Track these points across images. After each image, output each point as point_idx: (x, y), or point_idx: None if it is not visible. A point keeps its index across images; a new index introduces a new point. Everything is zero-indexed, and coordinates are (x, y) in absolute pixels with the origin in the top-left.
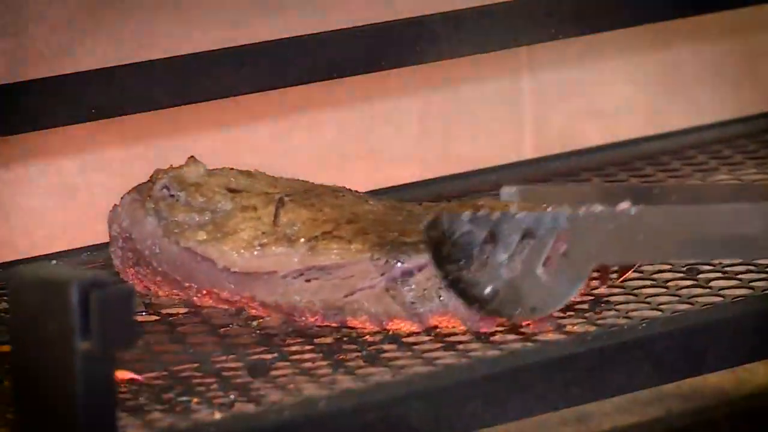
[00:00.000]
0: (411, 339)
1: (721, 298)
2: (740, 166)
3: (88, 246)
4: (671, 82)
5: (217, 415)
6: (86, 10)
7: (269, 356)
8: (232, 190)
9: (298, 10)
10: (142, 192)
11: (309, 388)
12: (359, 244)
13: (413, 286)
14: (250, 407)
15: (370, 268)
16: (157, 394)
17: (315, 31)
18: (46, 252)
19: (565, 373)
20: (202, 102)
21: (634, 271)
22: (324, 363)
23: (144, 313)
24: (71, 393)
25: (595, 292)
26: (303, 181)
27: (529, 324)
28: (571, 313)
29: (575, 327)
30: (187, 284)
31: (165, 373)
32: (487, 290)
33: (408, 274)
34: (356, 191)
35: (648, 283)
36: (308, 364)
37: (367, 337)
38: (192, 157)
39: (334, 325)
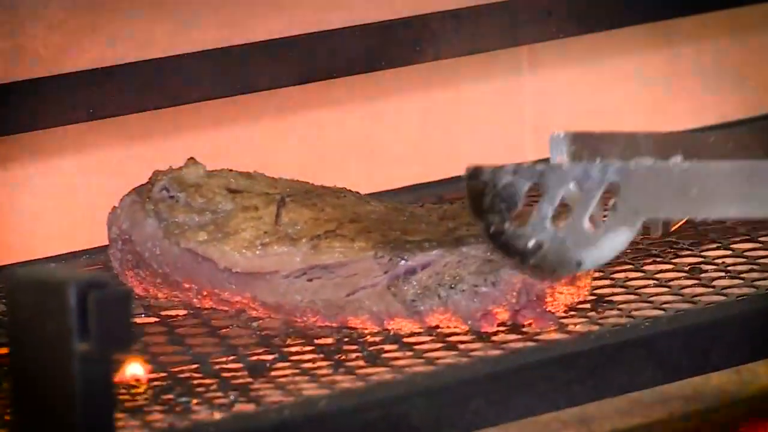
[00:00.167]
0: (412, 339)
1: (724, 297)
2: None
3: (87, 248)
4: (673, 81)
5: (217, 416)
6: (84, 9)
7: (269, 357)
8: (232, 191)
9: (297, 9)
10: (141, 193)
11: (309, 388)
12: (363, 242)
13: (414, 284)
14: (251, 408)
15: (373, 266)
16: (156, 394)
17: (314, 31)
18: (43, 253)
19: (567, 372)
20: (201, 102)
21: (635, 271)
22: (324, 363)
23: (143, 315)
24: (69, 394)
25: (598, 291)
26: (303, 182)
27: (530, 323)
28: (573, 312)
29: (577, 326)
30: (187, 286)
31: (164, 374)
32: (531, 243)
33: (411, 272)
34: (357, 192)
35: (650, 282)
36: (308, 365)
37: (368, 337)
38: (191, 158)
39: (334, 325)
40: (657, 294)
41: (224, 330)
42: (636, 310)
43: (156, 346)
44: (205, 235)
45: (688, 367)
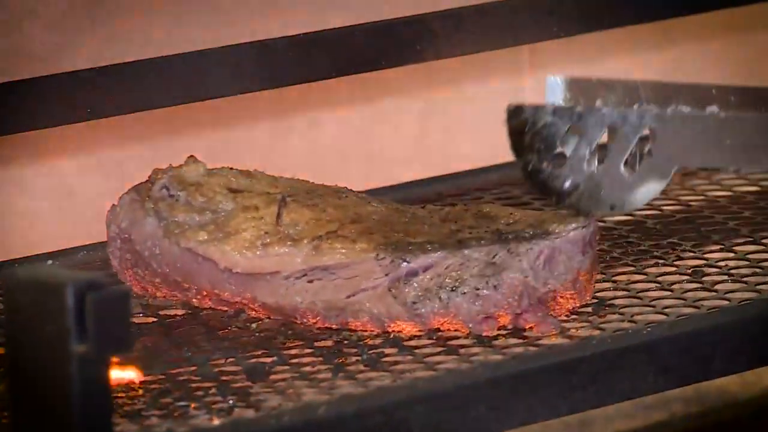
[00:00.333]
0: (412, 342)
1: (727, 302)
2: None
3: (85, 246)
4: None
5: (216, 421)
6: (81, 8)
7: (268, 360)
8: (232, 190)
9: (297, 8)
10: (141, 192)
11: (309, 392)
12: (364, 243)
13: (415, 286)
14: (250, 412)
15: (374, 267)
16: (154, 398)
17: (314, 30)
18: (41, 253)
19: (568, 377)
20: (200, 101)
21: (637, 274)
22: (324, 367)
23: (142, 315)
24: (67, 396)
25: (600, 295)
26: (303, 181)
27: (532, 327)
28: (575, 316)
29: (579, 331)
30: (186, 285)
31: (163, 376)
32: (567, 184)
33: (412, 274)
34: (358, 192)
35: (653, 286)
36: (308, 368)
37: (368, 340)
38: (192, 156)
39: (334, 326)
40: (659, 298)
41: (223, 331)
42: (638, 314)
43: (154, 347)
44: (206, 235)
45: (690, 372)
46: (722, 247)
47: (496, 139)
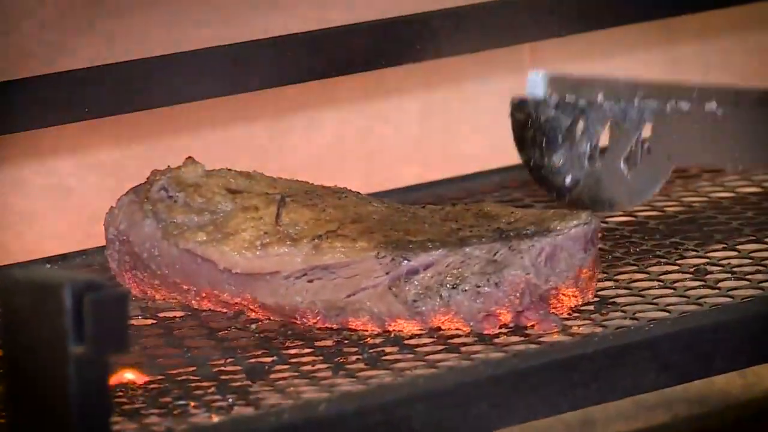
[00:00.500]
0: (413, 341)
1: (729, 299)
2: None
3: (83, 249)
4: (676, 79)
5: (215, 419)
6: (79, 7)
7: (268, 359)
8: (231, 191)
9: (297, 7)
10: (139, 193)
11: (309, 391)
12: (364, 242)
13: (416, 284)
14: (249, 411)
15: (375, 266)
16: (154, 397)
17: (313, 29)
18: (40, 254)
19: (570, 375)
20: (199, 101)
21: (639, 272)
22: (324, 366)
23: (141, 317)
24: (65, 397)
25: (602, 293)
26: (303, 182)
27: (533, 325)
28: (577, 314)
29: (581, 328)
30: (186, 287)
31: (162, 376)
32: (568, 180)
33: (413, 272)
34: (358, 192)
35: (655, 284)
36: (308, 367)
37: (369, 339)
38: (190, 157)
39: (334, 326)
40: (661, 296)
41: (222, 332)
42: (640, 312)
43: (153, 348)
44: (205, 236)
45: (692, 370)
46: (725, 246)
47: (497, 139)
